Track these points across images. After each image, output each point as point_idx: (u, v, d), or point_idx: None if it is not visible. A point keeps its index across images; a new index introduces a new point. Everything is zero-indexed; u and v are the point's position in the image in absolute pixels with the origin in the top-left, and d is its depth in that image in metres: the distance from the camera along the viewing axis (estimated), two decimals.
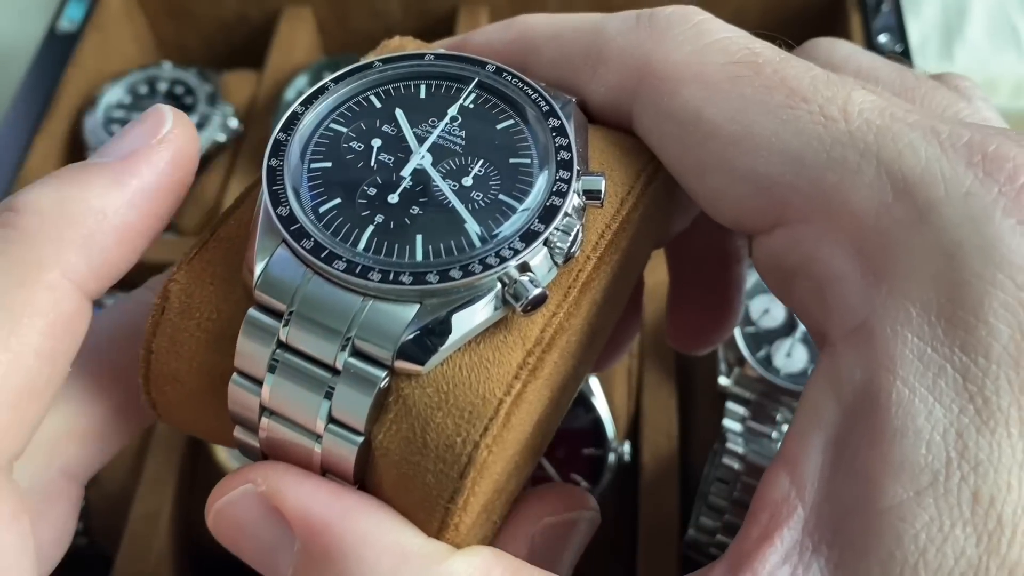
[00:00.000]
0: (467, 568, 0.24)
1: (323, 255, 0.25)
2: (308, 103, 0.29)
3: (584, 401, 0.62)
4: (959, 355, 0.22)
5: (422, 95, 0.29)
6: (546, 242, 0.26)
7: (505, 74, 0.29)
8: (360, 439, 0.25)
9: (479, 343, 0.26)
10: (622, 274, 0.31)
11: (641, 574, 0.56)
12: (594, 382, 0.63)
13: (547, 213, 0.26)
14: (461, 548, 0.26)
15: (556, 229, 0.26)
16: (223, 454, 0.61)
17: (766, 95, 0.26)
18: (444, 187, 0.27)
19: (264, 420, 0.26)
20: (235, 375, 0.26)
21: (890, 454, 0.23)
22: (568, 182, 0.27)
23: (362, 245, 0.26)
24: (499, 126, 0.28)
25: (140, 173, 0.27)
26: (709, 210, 0.28)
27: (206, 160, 0.77)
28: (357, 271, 0.25)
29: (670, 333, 0.42)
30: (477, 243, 0.26)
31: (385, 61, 0.30)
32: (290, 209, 0.26)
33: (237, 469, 0.27)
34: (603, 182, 0.27)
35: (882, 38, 0.74)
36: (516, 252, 0.25)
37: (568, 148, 0.27)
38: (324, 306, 0.25)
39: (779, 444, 0.52)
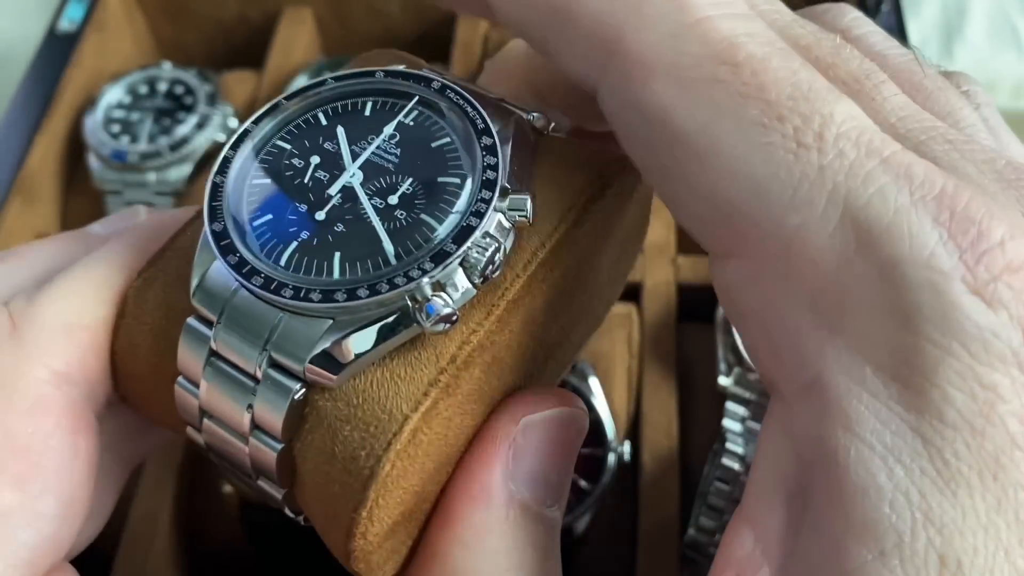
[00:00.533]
0: None
1: (244, 271, 0.27)
2: (259, 120, 0.30)
3: (584, 401, 0.62)
4: (915, 417, 0.22)
5: (367, 112, 0.30)
6: (463, 262, 0.26)
7: (448, 91, 0.29)
8: (279, 445, 0.27)
9: (392, 359, 0.26)
10: (575, 285, 0.31)
11: (641, 574, 0.56)
12: (594, 382, 0.63)
13: (461, 234, 0.26)
14: (373, 556, 0.27)
15: (472, 250, 0.26)
16: None
17: (740, 106, 0.24)
18: (367, 206, 0.28)
19: (205, 421, 0.28)
20: (179, 378, 0.29)
21: (852, 513, 0.22)
22: (488, 202, 0.27)
23: (283, 261, 0.27)
24: (434, 144, 0.29)
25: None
26: (670, 209, 0.27)
27: (206, 160, 0.77)
28: (272, 287, 0.26)
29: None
30: (392, 261, 0.26)
31: (337, 78, 0.30)
32: (223, 225, 0.28)
33: None
34: (528, 201, 0.27)
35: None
36: (424, 272, 0.26)
37: (495, 168, 0.27)
38: (246, 317, 0.27)
39: None
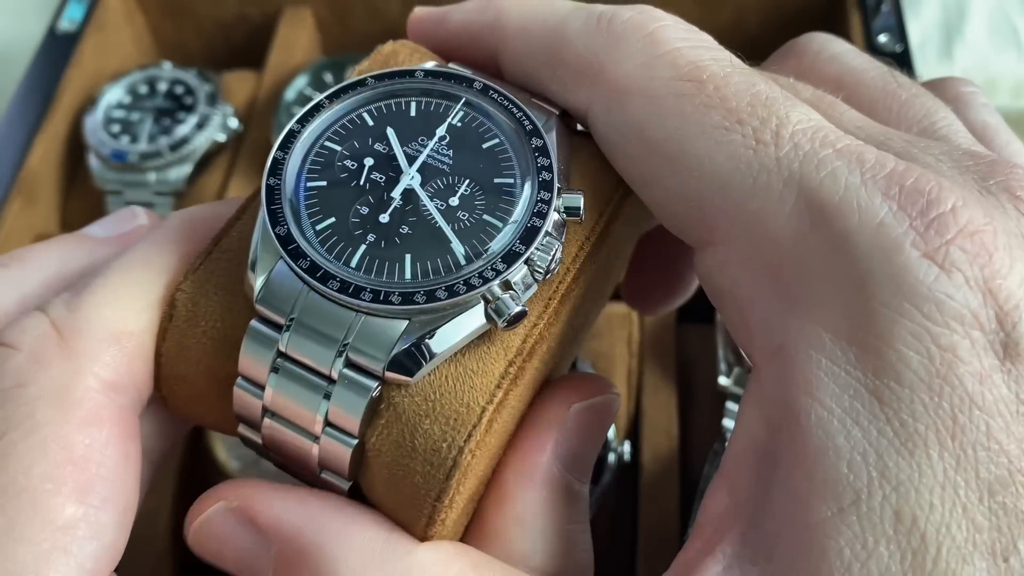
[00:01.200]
0: (431, 559, 0.27)
1: (318, 275, 0.27)
2: (304, 121, 0.30)
3: None
4: (872, 379, 0.23)
5: (412, 112, 0.31)
6: (527, 261, 0.28)
7: (491, 91, 0.30)
8: (355, 441, 0.27)
9: (464, 355, 0.28)
10: (603, 274, 0.32)
11: (641, 574, 0.56)
12: None
13: (528, 234, 0.28)
14: (445, 540, 0.28)
15: (536, 249, 0.28)
16: (222, 454, 0.61)
17: (704, 114, 0.27)
18: (431, 207, 0.29)
19: (266, 420, 0.28)
20: (239, 379, 0.29)
21: (813, 472, 0.23)
22: (548, 203, 0.28)
23: (354, 263, 0.28)
24: (485, 145, 0.30)
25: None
26: (658, 217, 0.30)
27: (206, 160, 0.77)
28: (350, 291, 0.27)
29: (625, 291, 0.44)
30: (463, 262, 0.28)
31: (377, 78, 0.31)
32: (287, 229, 0.28)
33: (209, 490, 0.29)
34: (582, 200, 0.29)
35: (882, 38, 0.74)
36: (498, 272, 0.27)
37: (549, 168, 0.29)
38: (320, 319, 0.27)
39: None
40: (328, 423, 0.28)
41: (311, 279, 0.27)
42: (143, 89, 0.79)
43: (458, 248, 0.28)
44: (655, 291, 0.42)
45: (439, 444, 0.27)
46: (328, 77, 0.78)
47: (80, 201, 0.78)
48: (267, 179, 0.29)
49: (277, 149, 0.29)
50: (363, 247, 0.28)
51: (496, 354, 0.28)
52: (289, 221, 0.28)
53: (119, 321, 0.29)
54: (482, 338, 0.28)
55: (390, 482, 0.28)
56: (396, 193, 0.29)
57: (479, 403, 0.27)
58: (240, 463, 0.61)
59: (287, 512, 0.28)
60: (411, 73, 0.31)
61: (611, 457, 0.61)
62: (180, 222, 0.32)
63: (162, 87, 0.79)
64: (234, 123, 0.78)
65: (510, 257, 0.27)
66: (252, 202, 0.31)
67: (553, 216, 0.28)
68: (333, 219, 0.28)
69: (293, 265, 0.27)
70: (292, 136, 0.30)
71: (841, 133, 0.26)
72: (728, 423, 0.56)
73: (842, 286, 0.24)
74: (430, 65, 0.32)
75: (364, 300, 0.27)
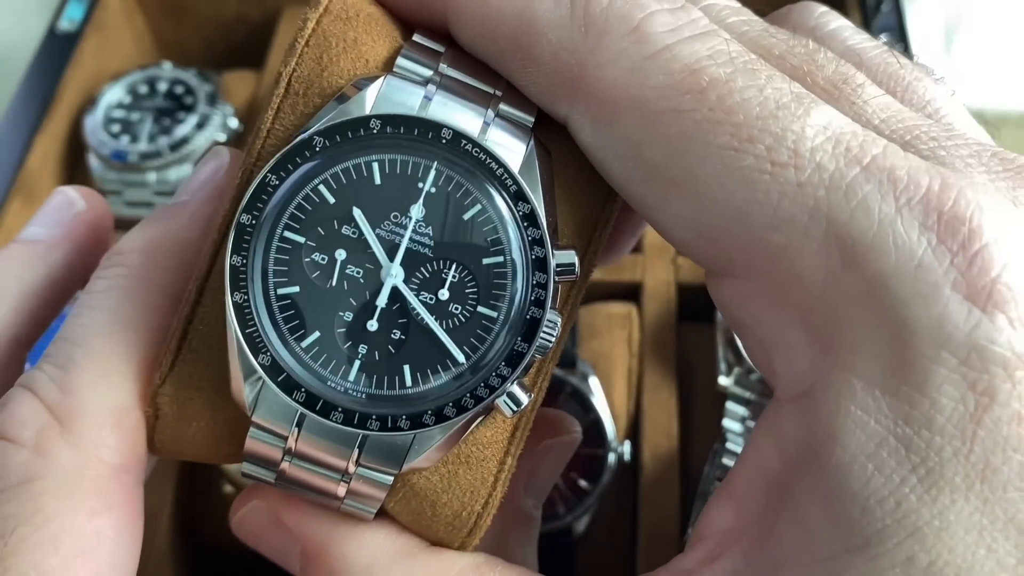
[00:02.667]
0: (435, 559, 0.28)
1: (318, 407, 0.26)
2: (252, 208, 0.26)
3: (584, 401, 0.62)
4: (902, 427, 0.23)
5: (377, 180, 0.27)
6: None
7: (464, 143, 0.26)
8: (375, 510, 0.29)
9: (473, 432, 0.28)
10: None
11: (641, 574, 0.56)
12: (594, 382, 0.63)
13: (529, 329, 0.26)
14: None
15: (538, 345, 0.27)
16: None
17: (709, 132, 0.24)
18: (420, 308, 0.27)
19: (280, 483, 0.29)
20: (245, 462, 0.28)
21: (827, 512, 0.23)
22: (545, 287, 0.27)
23: (352, 377, 0.27)
24: (467, 215, 0.27)
25: (212, 202, 0.30)
26: (661, 235, 0.27)
27: None
28: (355, 421, 0.26)
29: None
30: (462, 363, 0.27)
31: (326, 135, 0.26)
32: (271, 356, 0.26)
33: (246, 489, 0.31)
34: (575, 256, 0.27)
35: (882, 38, 0.74)
36: (504, 378, 0.26)
37: (541, 242, 0.26)
38: (325, 441, 0.27)
39: None
40: (349, 493, 0.28)
41: (311, 412, 0.26)
42: (143, 89, 0.79)
43: (455, 352, 0.27)
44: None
45: (459, 513, 0.28)
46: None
47: None
48: (232, 295, 0.26)
49: (233, 253, 0.26)
50: (358, 362, 0.27)
51: (503, 422, 0.29)
52: (271, 343, 0.26)
53: (115, 399, 0.28)
54: (489, 412, 0.28)
55: (413, 530, 0.29)
56: (382, 300, 0.27)
57: (491, 472, 0.28)
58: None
59: (306, 517, 0.29)
60: (364, 124, 0.26)
61: (611, 457, 0.61)
62: (143, 260, 0.29)
63: (162, 87, 0.79)
64: (234, 123, 0.78)
65: (513, 359, 0.26)
66: (208, 277, 0.28)
67: (550, 296, 0.27)
68: (318, 333, 0.26)
69: (288, 399, 0.26)
70: (244, 232, 0.26)
71: (869, 137, 0.24)
72: (728, 423, 0.56)
73: (878, 334, 0.23)
74: (374, 89, 0.27)
75: (372, 429, 0.26)
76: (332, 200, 0.26)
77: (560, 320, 0.27)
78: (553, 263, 0.26)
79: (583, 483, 0.60)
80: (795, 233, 0.23)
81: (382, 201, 0.26)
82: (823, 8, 0.31)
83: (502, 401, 0.27)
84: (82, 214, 0.33)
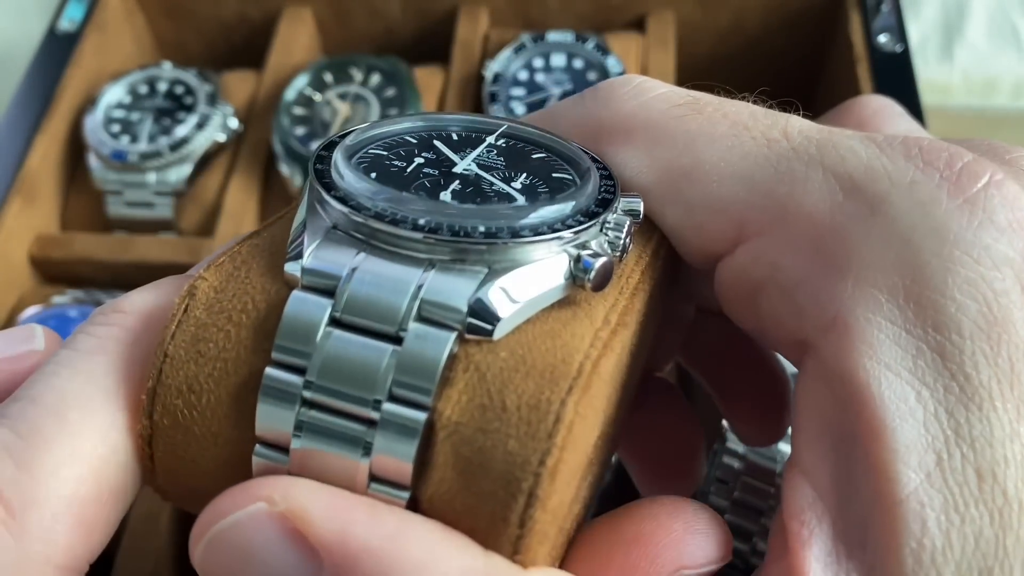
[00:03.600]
0: (504, 570, 0.21)
1: (387, 218, 0.23)
2: (340, 136, 0.27)
3: None
4: (933, 335, 0.23)
5: (454, 136, 0.29)
6: (602, 228, 0.25)
7: (528, 126, 0.29)
8: (425, 415, 0.22)
9: (548, 316, 0.24)
10: (650, 320, 0.29)
11: None
12: None
13: (602, 202, 0.26)
14: (544, 546, 0.23)
15: (611, 219, 0.25)
16: None
17: (710, 127, 0.27)
18: (497, 182, 0.26)
19: (307, 394, 0.23)
20: (275, 348, 0.23)
21: (893, 441, 0.23)
22: (613, 191, 0.26)
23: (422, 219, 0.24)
24: (535, 156, 0.28)
25: None
26: (676, 242, 0.29)
27: (206, 160, 0.77)
28: (426, 228, 0.23)
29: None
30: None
31: (404, 116, 0.29)
32: (344, 191, 0.24)
33: (236, 487, 0.22)
34: (641, 203, 0.27)
35: (882, 38, 0.74)
36: (581, 223, 0.24)
37: (604, 168, 0.28)
38: (383, 281, 0.22)
39: (778, 444, 0.52)
40: (398, 376, 0.22)
41: (380, 224, 0.23)
42: (143, 89, 0.79)
43: (529, 208, 0.24)
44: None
45: (536, 398, 0.22)
46: (328, 77, 0.78)
47: (80, 201, 0.78)
48: (314, 165, 0.25)
49: (320, 149, 0.26)
50: (422, 220, 0.24)
51: (583, 317, 0.24)
52: (348, 185, 0.24)
53: (80, 487, 0.23)
54: (564, 304, 0.24)
55: (469, 466, 0.22)
56: (459, 168, 0.26)
57: (576, 358, 0.23)
58: None
59: (356, 526, 0.21)
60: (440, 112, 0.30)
61: (611, 457, 0.61)
62: (144, 326, 0.25)
63: (162, 87, 0.79)
64: (234, 123, 0.78)
65: (590, 214, 0.25)
66: (277, 220, 0.27)
67: (619, 192, 0.27)
68: (389, 194, 0.24)
69: (356, 216, 0.23)
70: (331, 144, 0.27)
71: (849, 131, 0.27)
72: (729, 423, 0.56)
73: (888, 245, 0.24)
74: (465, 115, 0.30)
75: (443, 235, 0.23)
76: (414, 141, 0.28)
77: (632, 229, 0.26)
78: (619, 199, 0.26)
79: None
80: (796, 181, 0.26)
81: (457, 144, 0.28)
82: (883, 99, 0.37)
83: (575, 265, 0.23)
84: (33, 353, 0.28)
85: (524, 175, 0.27)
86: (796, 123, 0.27)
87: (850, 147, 0.26)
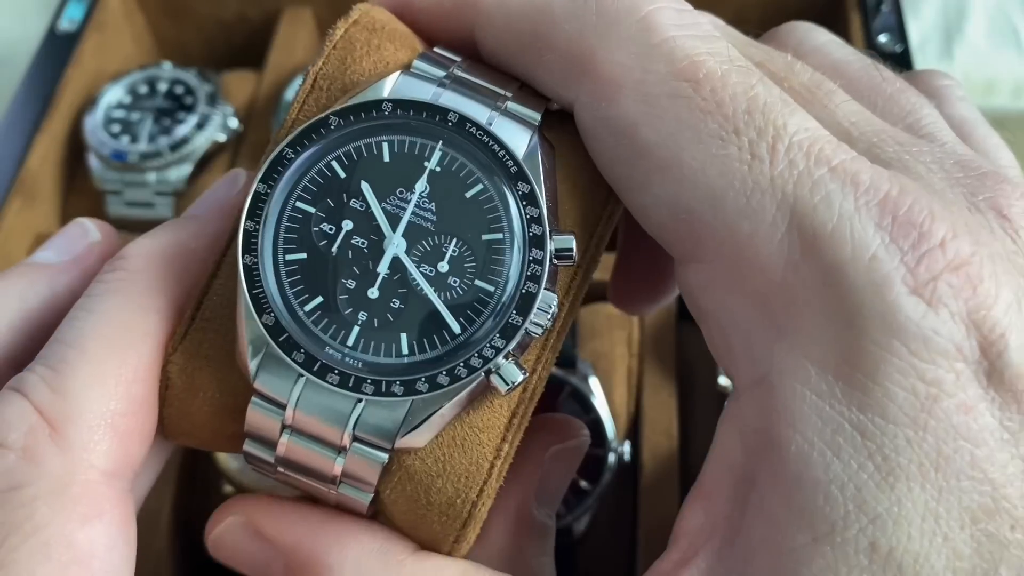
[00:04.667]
0: (423, 567, 0.28)
1: (315, 368, 0.27)
2: (269, 178, 0.28)
3: (584, 401, 0.62)
4: (856, 414, 0.24)
5: (386, 158, 0.28)
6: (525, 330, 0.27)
7: (469, 126, 0.28)
8: (370, 496, 0.28)
9: (468, 413, 0.28)
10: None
11: (641, 574, 0.56)
12: (594, 382, 0.63)
13: (524, 302, 0.27)
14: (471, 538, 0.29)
15: (533, 316, 0.27)
16: (223, 454, 0.61)
17: (700, 121, 0.26)
18: (420, 278, 0.28)
19: (280, 469, 0.29)
20: (247, 440, 0.29)
21: (791, 502, 0.24)
22: (541, 263, 0.27)
23: (351, 342, 0.27)
24: (468, 193, 0.28)
25: (222, 219, 0.31)
26: (638, 219, 0.29)
27: (206, 160, 0.77)
28: (351, 384, 0.27)
29: (610, 290, 0.42)
30: (458, 334, 0.27)
31: (341, 116, 0.28)
32: (275, 317, 0.27)
33: (223, 504, 0.30)
34: (573, 242, 0.28)
35: (882, 38, 0.74)
36: (497, 350, 0.27)
37: (539, 220, 0.28)
38: (322, 406, 0.27)
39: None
40: (344, 475, 0.28)
41: (308, 373, 0.27)
42: (143, 89, 0.79)
43: (452, 323, 0.27)
44: (641, 291, 0.42)
45: (453, 500, 0.28)
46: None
47: (80, 201, 0.78)
48: (243, 258, 0.27)
49: (247, 218, 0.28)
50: (356, 328, 0.27)
51: (499, 407, 0.28)
52: (275, 305, 0.27)
53: (109, 403, 0.27)
54: (485, 393, 0.28)
55: (408, 524, 0.29)
56: (383, 267, 0.28)
57: (487, 458, 0.28)
58: (240, 463, 0.61)
59: (289, 526, 0.29)
60: (377, 107, 0.28)
61: (611, 457, 0.61)
62: (147, 265, 0.29)
63: (162, 87, 0.79)
64: (234, 123, 0.78)
65: (508, 331, 0.27)
66: (226, 255, 0.30)
67: (546, 272, 0.27)
68: (320, 298, 0.28)
69: (288, 360, 0.27)
70: (260, 200, 0.28)
71: (840, 145, 0.26)
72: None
73: (832, 320, 0.24)
74: (391, 80, 0.29)
75: (366, 392, 0.27)
76: (343, 174, 0.28)
77: (557, 301, 0.27)
78: (551, 244, 0.27)
79: (583, 483, 0.60)
80: (763, 222, 0.25)
81: (389, 177, 0.28)
82: (809, 25, 0.33)
83: (495, 376, 0.27)
84: (94, 245, 0.33)
85: (453, 243, 0.28)
86: (791, 132, 0.25)
87: (827, 195, 0.25)
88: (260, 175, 0.28)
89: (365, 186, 0.28)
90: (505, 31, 0.30)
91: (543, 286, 0.27)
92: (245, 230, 0.28)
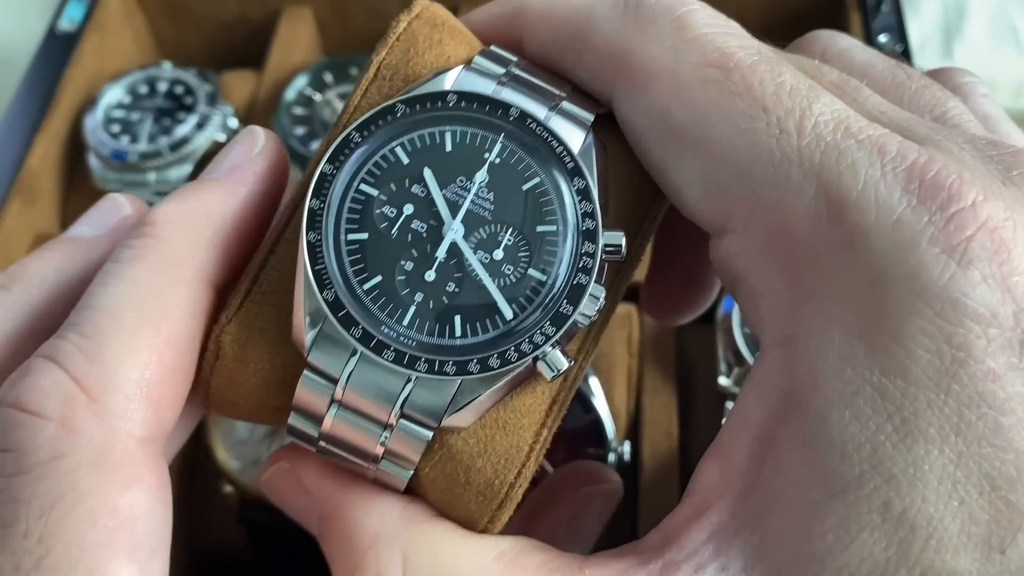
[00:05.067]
0: (441, 530, 0.29)
1: (372, 344, 0.27)
2: (335, 160, 0.29)
3: (584, 401, 0.62)
4: (878, 376, 0.24)
5: (448, 147, 0.29)
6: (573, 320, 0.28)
7: (529, 121, 0.29)
8: (410, 473, 0.29)
9: (512, 397, 0.29)
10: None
11: None
12: (594, 382, 0.63)
13: (574, 293, 0.28)
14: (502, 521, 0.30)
15: (585, 306, 0.28)
16: (222, 454, 0.61)
17: (730, 101, 0.27)
18: (476, 264, 0.29)
19: (322, 443, 0.29)
20: (293, 413, 0.29)
21: (807, 460, 0.24)
22: (593, 255, 0.28)
23: (406, 322, 0.28)
24: (525, 186, 0.29)
25: (247, 182, 0.31)
26: (674, 202, 0.30)
27: (206, 160, 0.76)
28: (405, 361, 0.27)
29: (645, 299, 0.43)
30: (510, 319, 0.28)
31: (408, 104, 0.29)
32: (335, 293, 0.28)
33: (277, 450, 0.32)
34: (623, 239, 0.29)
35: (882, 38, 0.74)
36: (547, 337, 0.28)
37: (592, 215, 0.29)
38: (374, 382, 0.28)
39: None
40: (387, 452, 0.28)
41: (365, 348, 0.27)
42: (143, 89, 0.79)
43: (504, 308, 0.28)
44: (676, 299, 0.42)
45: (492, 480, 0.29)
46: (328, 77, 0.78)
47: (80, 201, 0.78)
48: (307, 234, 0.28)
49: (312, 197, 0.29)
50: (412, 308, 0.28)
51: (541, 393, 0.29)
52: (336, 282, 0.28)
53: (145, 370, 0.28)
54: (529, 378, 0.29)
55: (445, 503, 0.29)
56: (441, 252, 0.29)
57: (527, 442, 0.29)
58: (240, 463, 0.61)
59: (324, 479, 0.30)
60: (442, 97, 0.29)
61: (611, 457, 0.61)
62: (174, 232, 0.30)
63: (162, 87, 0.79)
64: (234, 123, 0.78)
65: (558, 320, 0.28)
66: (284, 230, 0.30)
67: (596, 266, 0.28)
68: (380, 277, 0.28)
69: (345, 334, 0.27)
70: (325, 180, 0.29)
71: (865, 122, 0.26)
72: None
73: (856, 282, 0.24)
74: (453, 74, 0.30)
75: (420, 371, 0.27)
76: (406, 161, 0.29)
77: (604, 294, 0.28)
78: (601, 239, 0.28)
79: None
80: (789, 189, 0.26)
81: (451, 166, 0.29)
82: (831, 32, 0.34)
83: (542, 363, 0.27)
84: (127, 219, 0.34)
85: (509, 232, 0.29)
86: (817, 112, 0.26)
87: (853, 163, 0.25)
88: (327, 156, 0.29)
89: (428, 173, 0.29)
90: (549, 36, 0.31)
91: (593, 278, 0.28)
92: (310, 208, 0.28)
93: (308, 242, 0.28)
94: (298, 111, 0.76)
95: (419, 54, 0.32)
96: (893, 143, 0.25)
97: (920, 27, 0.92)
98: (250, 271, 0.30)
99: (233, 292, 0.30)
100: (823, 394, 0.24)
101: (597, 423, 0.61)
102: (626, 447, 0.61)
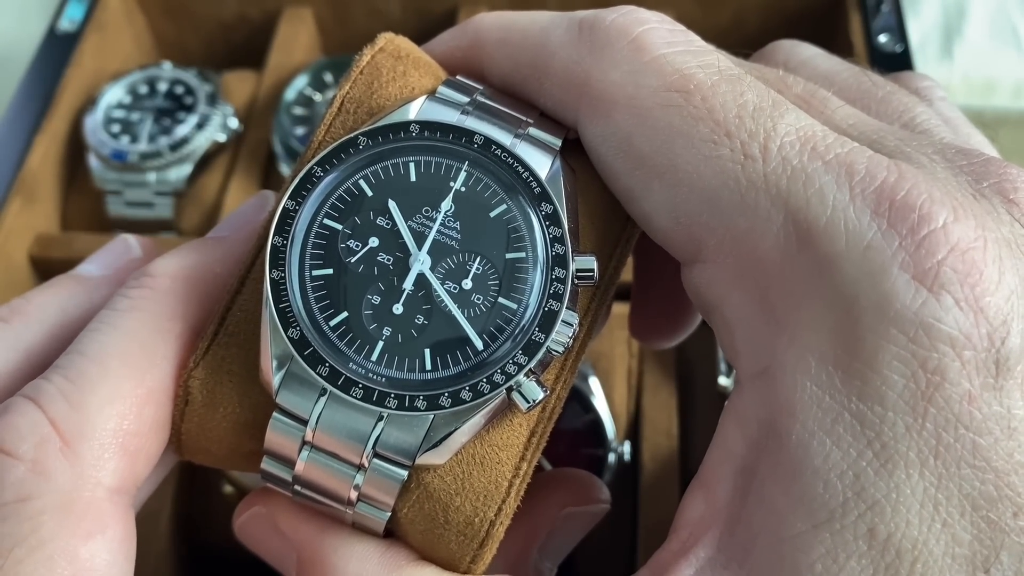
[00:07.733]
0: (419, 574, 0.28)
1: (340, 382, 0.27)
2: (297, 196, 0.28)
3: (584, 401, 0.62)
4: (856, 403, 0.24)
5: (412, 177, 0.29)
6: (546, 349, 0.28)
7: (494, 148, 0.29)
8: (387, 515, 0.28)
9: (488, 431, 0.28)
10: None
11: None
12: (594, 382, 0.63)
13: (546, 320, 0.27)
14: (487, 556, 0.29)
15: (558, 333, 0.27)
16: None
17: (692, 127, 0.26)
18: (444, 295, 0.28)
19: (297, 488, 0.29)
20: (265, 458, 0.29)
21: (791, 490, 0.24)
22: (563, 281, 0.28)
23: (375, 357, 0.27)
24: (493, 213, 0.29)
25: (246, 244, 0.31)
26: (644, 229, 0.29)
27: (206, 160, 0.77)
28: (374, 398, 0.27)
29: (630, 323, 0.43)
30: (480, 350, 0.28)
31: (369, 137, 0.29)
32: (300, 331, 0.27)
33: (250, 494, 0.31)
34: (594, 262, 0.28)
35: (882, 38, 0.74)
36: (520, 367, 0.27)
37: (561, 240, 0.28)
38: (344, 422, 0.27)
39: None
40: (361, 495, 0.28)
41: (333, 387, 0.27)
42: (143, 89, 0.79)
43: (475, 339, 0.28)
44: (659, 324, 0.42)
45: (471, 519, 0.28)
46: (328, 77, 0.78)
47: (80, 201, 0.78)
48: (270, 272, 0.28)
49: (275, 234, 0.28)
50: (381, 343, 0.28)
51: (519, 425, 0.29)
52: (301, 320, 0.27)
53: (123, 421, 0.27)
54: (505, 411, 0.28)
55: (425, 545, 0.29)
56: (408, 283, 0.28)
57: (506, 477, 0.28)
58: None
59: (301, 523, 0.30)
60: (405, 128, 0.29)
61: (611, 457, 0.61)
62: (171, 285, 0.30)
63: (162, 87, 0.79)
64: (234, 123, 0.78)
65: (530, 348, 0.27)
66: (250, 272, 0.30)
67: (568, 291, 0.28)
68: (346, 313, 0.28)
69: (312, 372, 0.27)
70: (288, 217, 0.28)
71: (832, 137, 0.26)
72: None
73: (829, 311, 0.24)
74: (417, 104, 0.30)
75: (390, 407, 0.27)
76: (370, 193, 0.29)
77: (577, 320, 0.28)
78: (572, 264, 0.28)
79: None
80: (758, 218, 0.25)
81: (415, 196, 0.29)
82: (793, 42, 0.34)
83: (516, 394, 0.27)
84: (135, 261, 0.34)
85: (477, 261, 0.28)
86: (782, 132, 0.26)
87: (820, 188, 0.25)
88: (289, 192, 0.28)
89: (392, 204, 0.29)
90: (508, 65, 0.31)
91: (565, 304, 0.27)
92: (273, 245, 0.28)
93: (272, 280, 0.28)
94: (298, 111, 0.76)
95: (383, 86, 0.32)
96: (862, 161, 0.25)
97: (920, 27, 0.92)
98: (216, 313, 0.29)
99: (201, 336, 0.29)
100: (803, 424, 0.24)
101: (597, 423, 0.61)
102: (626, 447, 0.61)
